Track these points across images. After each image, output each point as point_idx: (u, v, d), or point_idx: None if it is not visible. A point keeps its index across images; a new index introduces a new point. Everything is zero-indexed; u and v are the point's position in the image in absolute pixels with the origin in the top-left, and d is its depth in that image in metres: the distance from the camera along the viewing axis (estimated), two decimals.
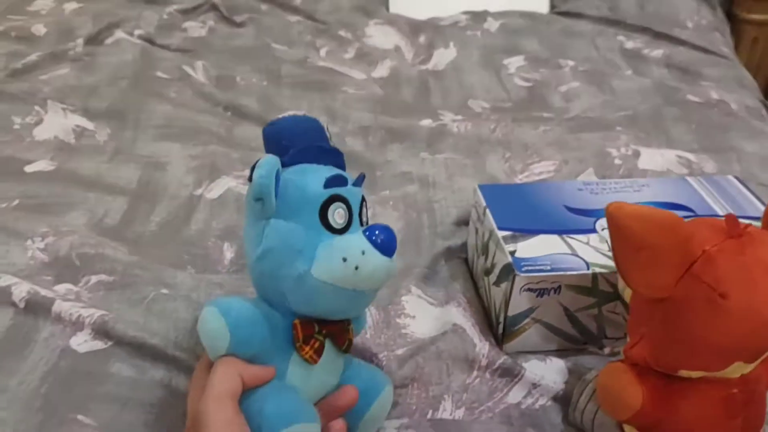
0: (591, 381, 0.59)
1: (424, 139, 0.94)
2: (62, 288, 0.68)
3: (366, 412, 0.54)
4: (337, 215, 0.50)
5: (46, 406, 0.56)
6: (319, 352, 0.51)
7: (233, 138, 0.92)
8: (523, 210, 0.69)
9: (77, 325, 0.63)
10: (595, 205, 0.70)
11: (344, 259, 0.48)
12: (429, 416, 0.60)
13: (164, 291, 0.68)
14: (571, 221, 0.68)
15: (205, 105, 0.99)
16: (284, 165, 0.51)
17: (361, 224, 0.52)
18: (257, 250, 0.50)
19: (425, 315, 0.68)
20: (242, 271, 0.72)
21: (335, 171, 0.51)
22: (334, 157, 0.53)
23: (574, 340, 0.67)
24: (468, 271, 0.74)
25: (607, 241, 0.66)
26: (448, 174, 0.87)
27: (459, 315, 0.67)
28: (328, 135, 0.53)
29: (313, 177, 0.50)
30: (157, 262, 0.72)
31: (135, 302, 0.67)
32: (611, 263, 0.61)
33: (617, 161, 0.91)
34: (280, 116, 0.50)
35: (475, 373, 0.63)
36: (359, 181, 0.53)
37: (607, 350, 0.68)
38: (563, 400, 0.62)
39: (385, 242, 0.49)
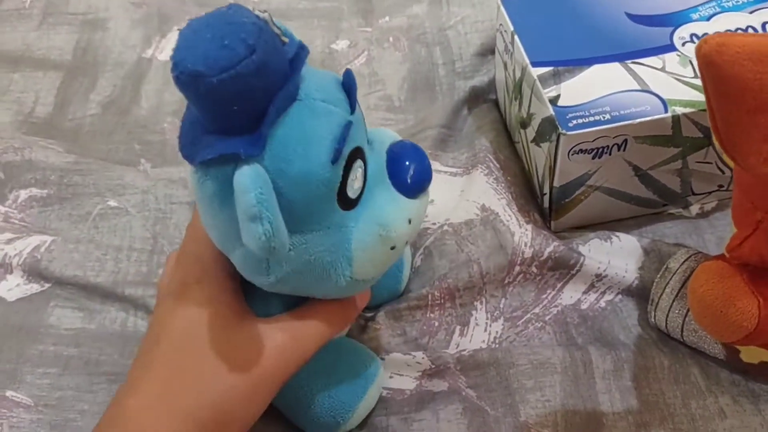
0: (677, 270, 0.42)
1: None
2: None
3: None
4: (355, 184, 0.33)
5: None
6: None
7: None
8: (567, 30, 0.49)
9: (4, 267, 0.50)
10: (671, 7, 0.49)
11: (392, 248, 0.35)
12: (457, 337, 0.45)
13: (112, 203, 0.53)
14: (637, 37, 0.47)
15: None
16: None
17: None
18: (265, 278, 0.33)
19: (445, 194, 0.51)
20: None
21: (332, 120, 0.31)
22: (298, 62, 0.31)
23: (649, 204, 0.49)
24: (500, 116, 0.56)
25: (691, 62, 0.46)
26: None
27: (489, 188, 0.50)
28: (278, 33, 0.30)
29: (311, 154, 0.30)
30: (102, 160, 0.56)
31: (77, 220, 0.53)
32: (700, 96, 0.42)
33: None
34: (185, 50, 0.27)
35: (517, 269, 0.47)
36: (353, 91, 0.33)
37: (694, 209, 0.50)
38: (639, 293, 0.46)
39: (425, 174, 0.36)
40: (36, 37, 0.68)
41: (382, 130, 0.37)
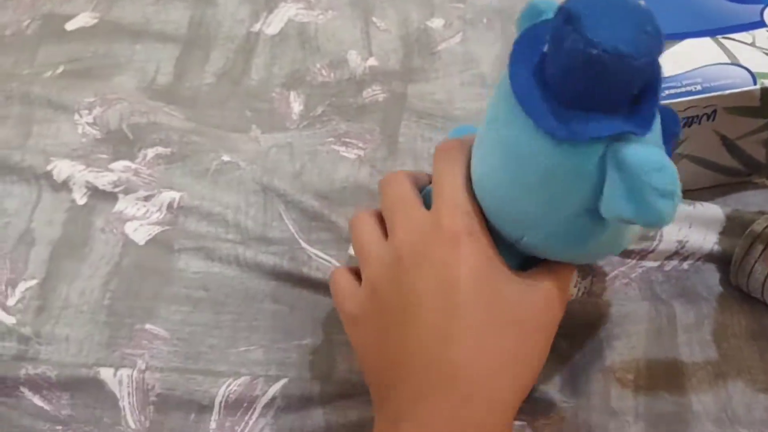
0: (761, 233, 0.45)
1: None
2: (119, 165, 0.60)
3: None
4: None
5: (111, 319, 0.51)
6: None
7: None
8: (662, 5, 0.50)
9: (138, 219, 0.56)
10: None
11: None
12: None
13: (226, 158, 0.59)
14: (728, 13, 0.50)
15: None
16: None
17: None
18: (581, 248, 0.35)
19: None
20: (313, 125, 0.61)
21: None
22: None
23: (734, 173, 0.52)
24: None
25: None
26: None
27: None
28: None
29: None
30: (218, 125, 0.62)
31: (198, 175, 0.58)
32: None
33: None
34: None
35: None
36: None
37: None
38: (721, 257, 0.49)
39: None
40: (154, 11, 0.73)
41: None
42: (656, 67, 0.30)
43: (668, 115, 0.35)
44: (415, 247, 0.35)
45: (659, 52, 0.29)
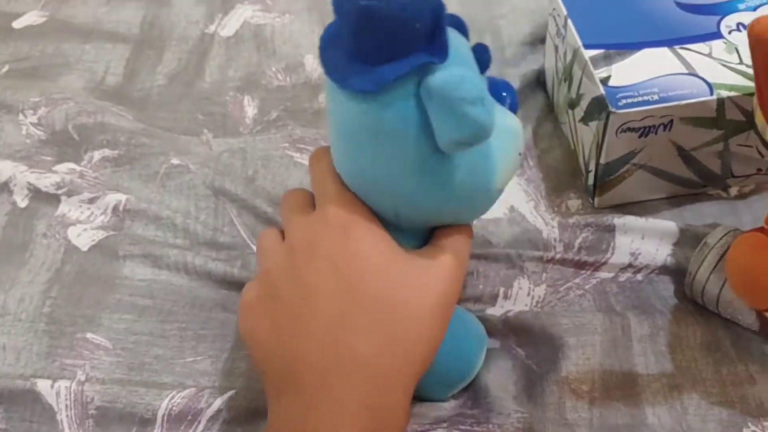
0: (715, 245, 0.45)
1: None
2: (63, 167, 0.58)
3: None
4: None
5: (51, 327, 0.48)
6: None
7: None
8: (619, 15, 0.51)
9: (82, 222, 0.54)
10: None
11: (519, 154, 0.38)
12: (501, 299, 0.48)
13: (176, 161, 0.57)
14: (686, 24, 0.50)
15: None
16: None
17: None
18: (440, 192, 0.36)
19: None
20: (268, 130, 0.60)
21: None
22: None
23: (689, 184, 0.52)
24: (547, 101, 0.59)
25: (737, 49, 0.48)
26: None
27: (520, 189, 0.54)
28: None
29: (473, 65, 0.36)
30: (167, 131, 0.60)
31: (146, 179, 0.56)
32: (744, 81, 0.44)
33: None
34: None
35: (550, 254, 0.50)
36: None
37: (733, 191, 0.53)
38: (675, 269, 0.48)
39: (516, 104, 0.39)
40: (106, 11, 0.71)
41: None
42: (431, 2, 0.31)
43: (501, 86, 0.38)
44: (308, 242, 0.37)
45: None
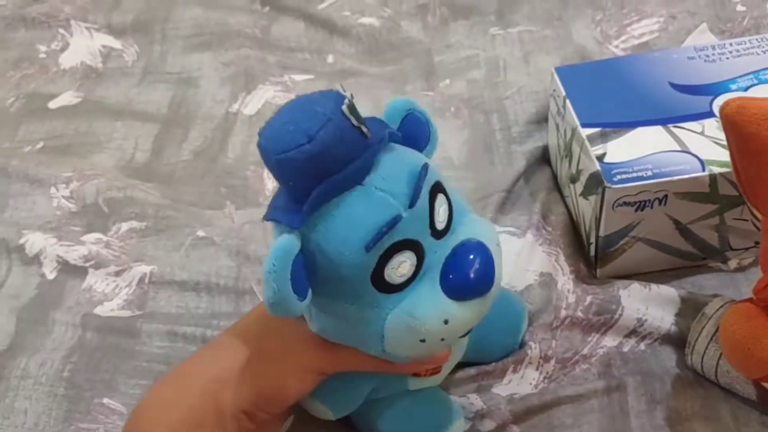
0: (713, 316, 0.46)
1: (493, 10, 0.78)
2: (91, 237, 0.61)
3: None
4: (399, 270, 0.35)
5: (70, 392, 0.50)
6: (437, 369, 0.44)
7: (270, 38, 0.80)
8: (615, 95, 0.54)
9: (107, 295, 0.57)
10: (712, 78, 0.54)
11: (423, 341, 0.36)
12: (510, 373, 0.49)
13: (201, 233, 0.60)
14: (679, 104, 0.52)
15: (239, 1, 0.86)
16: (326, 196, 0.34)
17: (434, 231, 0.36)
18: (311, 324, 0.39)
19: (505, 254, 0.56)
20: None
21: (381, 210, 0.34)
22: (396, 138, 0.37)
23: (689, 257, 0.53)
24: (552, 176, 0.61)
25: None
26: (523, 53, 0.72)
27: (543, 254, 0.55)
28: (356, 124, 0.34)
29: (350, 237, 0.34)
30: (193, 203, 0.63)
31: (171, 249, 0.59)
32: None
33: (740, 7, 0.72)
34: (274, 128, 0.34)
35: (563, 313, 0.51)
36: (419, 188, 0.35)
37: (732, 264, 0.54)
38: (677, 338, 0.49)
39: (478, 281, 0.35)
40: (137, 92, 0.76)
41: (482, 225, 0.38)
42: (307, 165, 0.32)
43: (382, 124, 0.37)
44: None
45: (303, 151, 0.32)
